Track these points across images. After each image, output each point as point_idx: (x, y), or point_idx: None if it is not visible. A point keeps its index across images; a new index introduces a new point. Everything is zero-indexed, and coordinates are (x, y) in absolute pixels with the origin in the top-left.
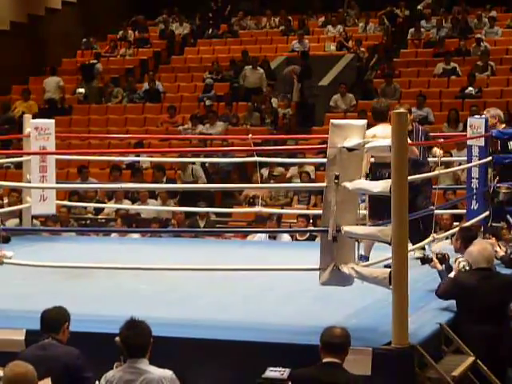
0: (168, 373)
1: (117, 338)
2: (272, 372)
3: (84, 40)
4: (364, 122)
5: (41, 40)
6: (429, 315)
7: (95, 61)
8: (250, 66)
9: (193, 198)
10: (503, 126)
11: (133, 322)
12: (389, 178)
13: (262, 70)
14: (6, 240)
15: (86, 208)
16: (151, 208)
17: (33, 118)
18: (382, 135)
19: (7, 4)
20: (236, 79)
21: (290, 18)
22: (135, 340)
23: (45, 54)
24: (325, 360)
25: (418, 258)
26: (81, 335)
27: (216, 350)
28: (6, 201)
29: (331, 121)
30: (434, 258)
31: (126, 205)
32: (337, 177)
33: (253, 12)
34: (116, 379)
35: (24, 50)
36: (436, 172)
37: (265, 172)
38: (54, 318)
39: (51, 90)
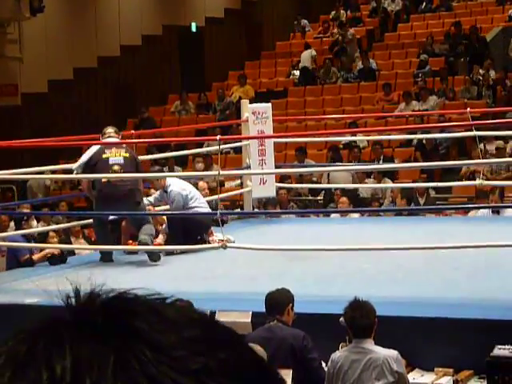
0: (393, 352)
1: (341, 319)
2: (500, 350)
3: (296, 22)
4: None
5: (255, 25)
6: None
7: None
8: None
9: None
10: None
11: (357, 303)
12: None
13: None
14: (223, 224)
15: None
16: (368, 186)
17: (249, 102)
18: None
19: None
20: (451, 53)
21: None
22: (360, 320)
23: (259, 39)
24: None
25: None
26: (306, 316)
27: (443, 328)
28: (233, 183)
29: None
30: None
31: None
32: None
33: None
34: (342, 359)
35: (239, 36)
36: None
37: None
38: (278, 300)
39: (305, 61)
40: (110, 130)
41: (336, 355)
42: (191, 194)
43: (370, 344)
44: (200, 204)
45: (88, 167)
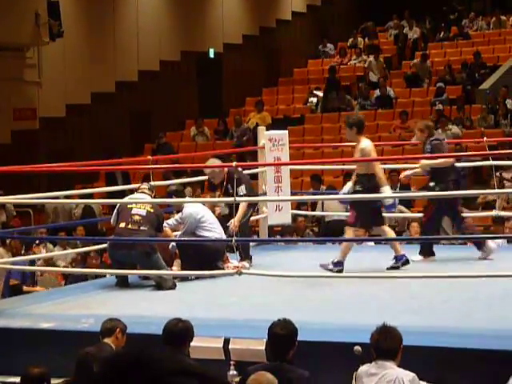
0: (411, 374)
1: (356, 347)
2: None
3: (321, 46)
4: None
5: (272, 52)
6: None
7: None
8: None
9: None
10: None
11: (384, 327)
12: None
13: None
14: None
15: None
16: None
17: (266, 129)
18: None
19: (240, 18)
20: (468, 82)
21: None
22: (384, 343)
23: (276, 66)
24: None
25: None
26: (320, 345)
27: (457, 358)
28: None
29: None
30: None
31: None
32: None
33: (484, 12)
34: (363, 372)
35: (256, 63)
36: None
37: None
38: (282, 343)
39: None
40: (144, 185)
41: (359, 369)
42: (204, 218)
43: (390, 364)
44: (213, 229)
45: (116, 214)
